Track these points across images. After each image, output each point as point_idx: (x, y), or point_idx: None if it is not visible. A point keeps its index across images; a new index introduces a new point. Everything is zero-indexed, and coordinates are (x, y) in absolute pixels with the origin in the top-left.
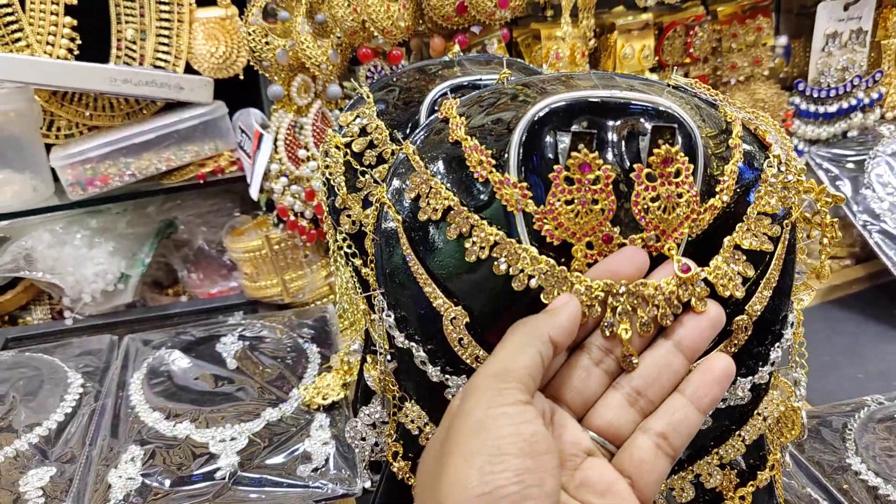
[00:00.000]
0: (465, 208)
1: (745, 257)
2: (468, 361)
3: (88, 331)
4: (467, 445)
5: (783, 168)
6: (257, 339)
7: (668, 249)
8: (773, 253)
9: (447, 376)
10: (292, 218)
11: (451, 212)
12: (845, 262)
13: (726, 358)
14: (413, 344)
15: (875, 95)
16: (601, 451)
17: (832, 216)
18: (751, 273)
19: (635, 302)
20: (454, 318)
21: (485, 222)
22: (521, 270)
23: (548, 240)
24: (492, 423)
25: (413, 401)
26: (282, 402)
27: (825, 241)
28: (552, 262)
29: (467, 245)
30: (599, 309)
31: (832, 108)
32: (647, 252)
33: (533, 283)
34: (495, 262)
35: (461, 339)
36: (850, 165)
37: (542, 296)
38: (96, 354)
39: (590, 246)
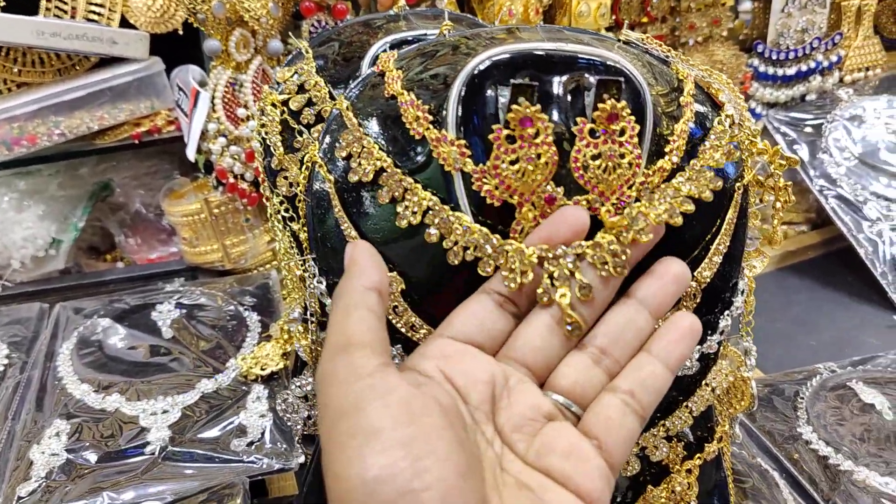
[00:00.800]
0: (399, 170)
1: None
2: (402, 330)
3: (18, 298)
4: (339, 433)
5: (736, 129)
6: (195, 307)
7: (606, 211)
8: (724, 217)
9: None
10: (232, 180)
11: (384, 174)
12: (801, 228)
13: (692, 316)
14: None
15: (834, 58)
16: (566, 413)
17: (788, 180)
18: (690, 207)
19: (572, 266)
20: (389, 284)
21: (418, 186)
22: (455, 242)
23: (488, 201)
24: (355, 402)
25: None
26: (218, 372)
27: (778, 205)
28: (486, 231)
29: (399, 210)
30: (532, 276)
31: (791, 71)
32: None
33: (468, 254)
34: (427, 230)
35: (395, 306)
36: (808, 130)
37: (478, 266)
38: (24, 324)
39: (532, 206)
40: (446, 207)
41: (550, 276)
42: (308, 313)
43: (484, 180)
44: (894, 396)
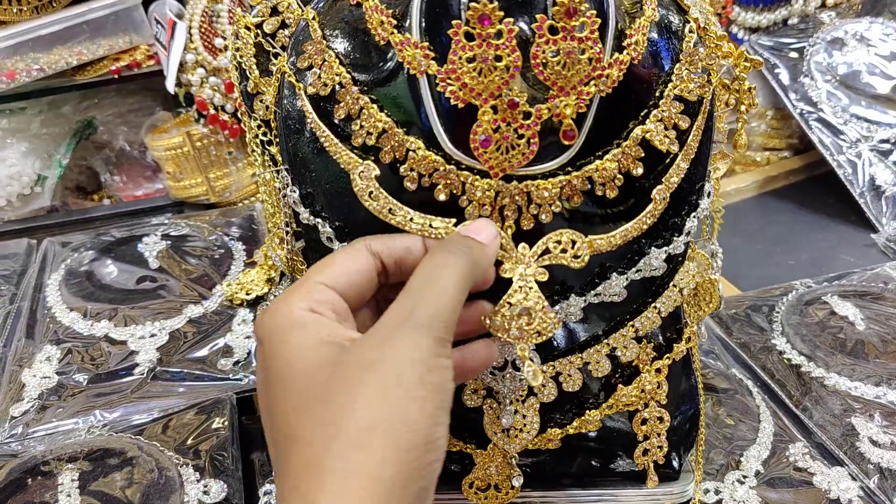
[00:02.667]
0: (357, 87)
1: (642, 153)
2: (381, 216)
3: (6, 236)
4: (399, 386)
5: (702, 34)
6: (181, 238)
7: (565, 107)
8: (694, 122)
9: None
10: (212, 112)
11: (342, 89)
12: (783, 154)
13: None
14: (319, 220)
15: None
16: None
17: (771, 105)
18: (639, 171)
19: (522, 202)
20: (362, 171)
21: (375, 106)
22: (412, 169)
23: (452, 102)
24: (434, 376)
25: None
26: (204, 298)
27: (742, 108)
28: (440, 159)
29: (354, 128)
30: (489, 208)
31: None
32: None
33: (424, 181)
34: (381, 151)
35: (371, 191)
36: (792, 55)
37: (434, 193)
38: (13, 258)
39: (494, 110)
40: (400, 131)
41: (501, 209)
42: (283, 224)
43: (448, 81)
44: (867, 308)
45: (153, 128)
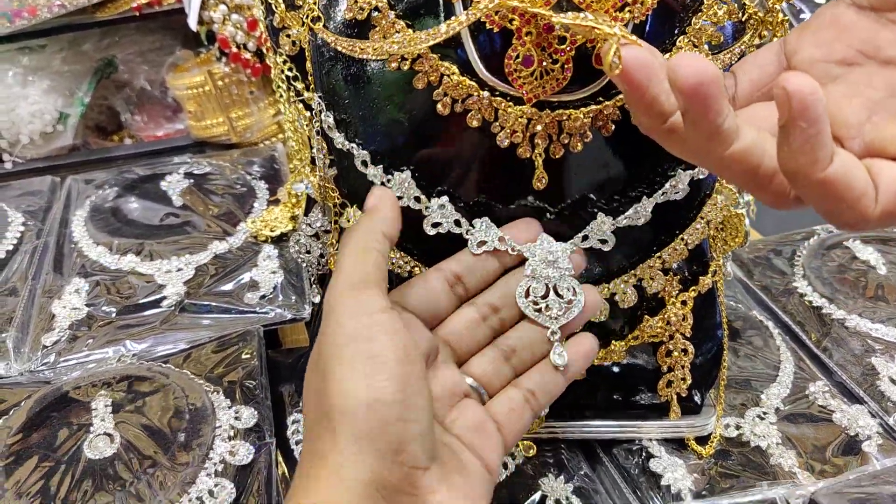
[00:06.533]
0: (393, 11)
1: None
2: None
3: (30, 174)
4: (347, 354)
5: None
6: (203, 177)
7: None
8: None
9: (390, 175)
10: (234, 50)
11: (378, 14)
12: None
13: (592, 338)
14: (353, 145)
15: None
16: (475, 395)
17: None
18: None
19: (553, 130)
20: None
21: (410, 31)
22: (445, 94)
23: (488, 26)
24: (366, 333)
25: (354, 206)
26: (229, 235)
27: (776, 40)
28: (474, 84)
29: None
30: (521, 134)
31: None
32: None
33: (457, 107)
34: (416, 76)
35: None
36: (821, 0)
37: (466, 119)
38: (37, 195)
39: (529, 34)
40: (435, 56)
41: (532, 136)
42: (316, 149)
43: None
44: (889, 253)
45: (174, 66)
